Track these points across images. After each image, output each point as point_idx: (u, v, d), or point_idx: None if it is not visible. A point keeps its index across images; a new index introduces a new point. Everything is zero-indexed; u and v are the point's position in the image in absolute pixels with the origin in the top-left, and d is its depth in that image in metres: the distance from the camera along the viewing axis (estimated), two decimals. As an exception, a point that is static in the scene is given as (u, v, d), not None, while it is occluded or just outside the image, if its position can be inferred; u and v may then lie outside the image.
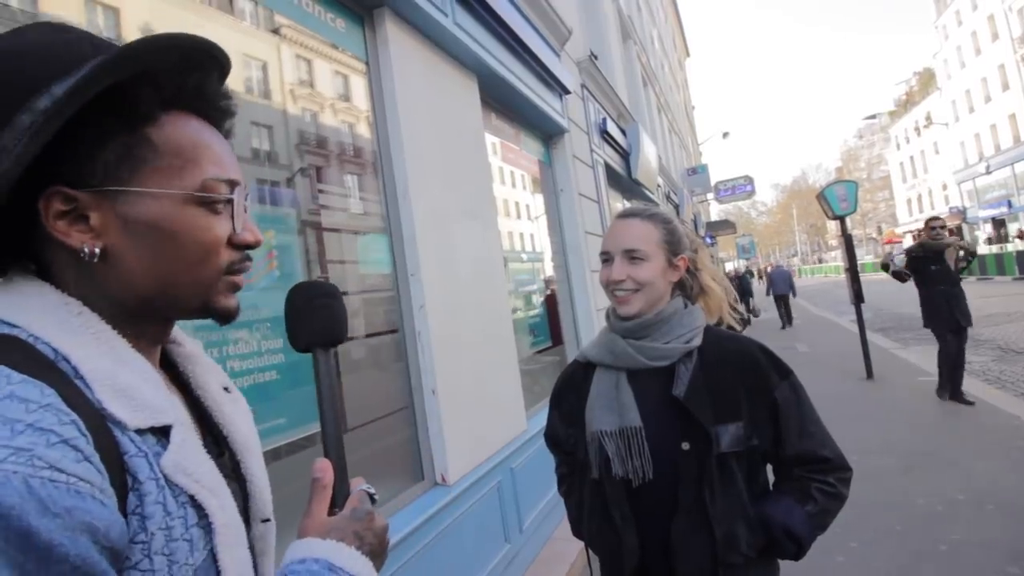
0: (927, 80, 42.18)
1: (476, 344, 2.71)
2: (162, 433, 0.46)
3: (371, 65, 2.45)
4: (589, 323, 4.61)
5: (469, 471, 2.45)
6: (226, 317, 0.53)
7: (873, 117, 45.98)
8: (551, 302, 4.45)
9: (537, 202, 4.59)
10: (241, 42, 1.90)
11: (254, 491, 0.58)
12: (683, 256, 1.13)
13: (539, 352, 4.02)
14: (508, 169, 4.04)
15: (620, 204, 7.80)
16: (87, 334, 0.45)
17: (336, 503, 0.56)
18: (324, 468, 0.56)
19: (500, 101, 3.79)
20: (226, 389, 0.60)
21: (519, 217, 4.27)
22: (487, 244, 3.07)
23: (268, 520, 0.58)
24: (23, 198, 0.43)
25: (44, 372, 0.40)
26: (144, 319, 0.50)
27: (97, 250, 0.45)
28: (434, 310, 2.40)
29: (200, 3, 1.77)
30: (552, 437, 1.25)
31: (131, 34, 1.53)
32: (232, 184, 0.50)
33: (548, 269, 4.59)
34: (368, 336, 2.26)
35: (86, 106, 0.42)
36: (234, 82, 1.84)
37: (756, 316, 13.59)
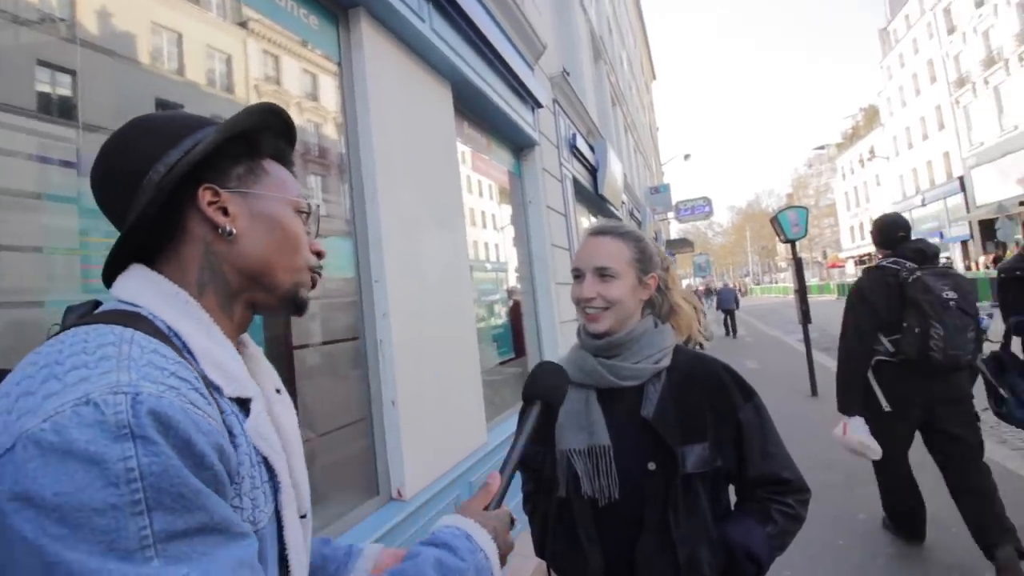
0: (871, 116, 44.99)
1: (439, 354, 2.66)
2: (242, 404, 0.57)
3: (344, 65, 2.40)
4: (553, 335, 4.63)
5: (427, 485, 2.39)
6: (302, 308, 0.67)
7: (822, 148, 48.67)
8: (515, 313, 4.45)
9: (503, 212, 4.59)
10: (207, 33, 1.82)
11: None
12: (654, 275, 1.13)
13: (502, 363, 4.00)
14: (475, 178, 4.02)
15: (587, 219, 7.90)
16: (192, 318, 0.57)
17: (489, 507, 0.74)
18: (495, 478, 0.76)
19: (473, 110, 3.78)
20: (278, 391, 0.69)
21: (484, 227, 4.26)
22: (455, 252, 3.04)
23: (305, 516, 0.67)
24: (175, 202, 0.59)
25: (165, 341, 0.52)
26: (240, 300, 0.63)
27: (232, 230, 0.61)
28: (398, 318, 2.35)
29: (163, -12, 1.68)
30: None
31: (87, 18, 1.43)
32: (310, 205, 0.69)
33: (512, 280, 4.59)
34: (326, 343, 2.18)
35: (228, 139, 0.61)
36: (196, 74, 1.76)
37: (709, 340, 13.95)
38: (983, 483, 2.45)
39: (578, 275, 1.13)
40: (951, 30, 27.20)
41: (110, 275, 0.61)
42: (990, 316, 2.58)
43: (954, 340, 2.33)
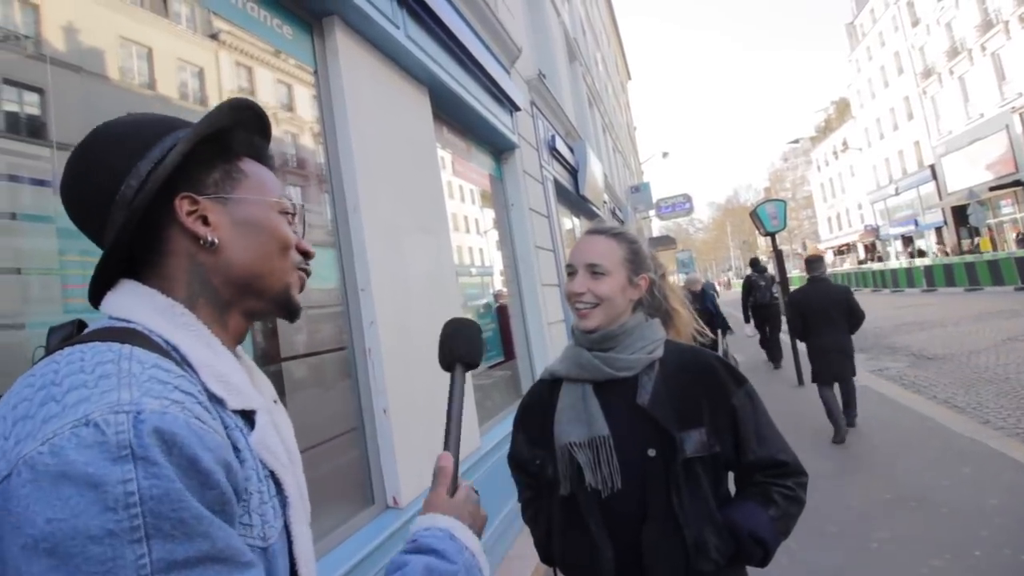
0: (843, 109, 45.89)
1: (428, 360, 2.63)
2: (246, 417, 0.55)
3: (320, 74, 2.38)
4: (541, 337, 4.64)
5: (422, 492, 2.37)
6: (294, 312, 0.66)
7: (796, 141, 49.34)
8: (502, 317, 4.45)
9: (486, 217, 4.60)
10: (178, 47, 1.80)
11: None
12: (645, 275, 1.16)
13: (491, 367, 4.00)
14: (457, 183, 4.03)
15: (569, 220, 7.94)
16: (189, 331, 0.55)
17: (450, 491, 0.72)
18: (448, 459, 0.74)
19: (452, 115, 3.79)
20: (274, 401, 0.67)
21: (468, 231, 4.26)
22: (439, 257, 3.03)
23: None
24: (152, 217, 0.56)
25: (164, 356, 0.50)
26: (233, 310, 0.61)
27: (215, 240, 0.58)
28: (385, 326, 2.34)
29: (130, 4, 1.66)
30: (516, 459, 1.23)
31: (53, 35, 1.41)
32: (294, 205, 0.67)
33: (497, 283, 4.59)
34: (312, 354, 2.16)
35: (199, 143, 0.58)
36: (167, 88, 1.74)
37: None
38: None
39: (571, 271, 1.16)
40: (915, 23, 27.94)
41: (97, 293, 0.58)
42: (775, 288, 7.93)
43: (763, 296, 8.15)
